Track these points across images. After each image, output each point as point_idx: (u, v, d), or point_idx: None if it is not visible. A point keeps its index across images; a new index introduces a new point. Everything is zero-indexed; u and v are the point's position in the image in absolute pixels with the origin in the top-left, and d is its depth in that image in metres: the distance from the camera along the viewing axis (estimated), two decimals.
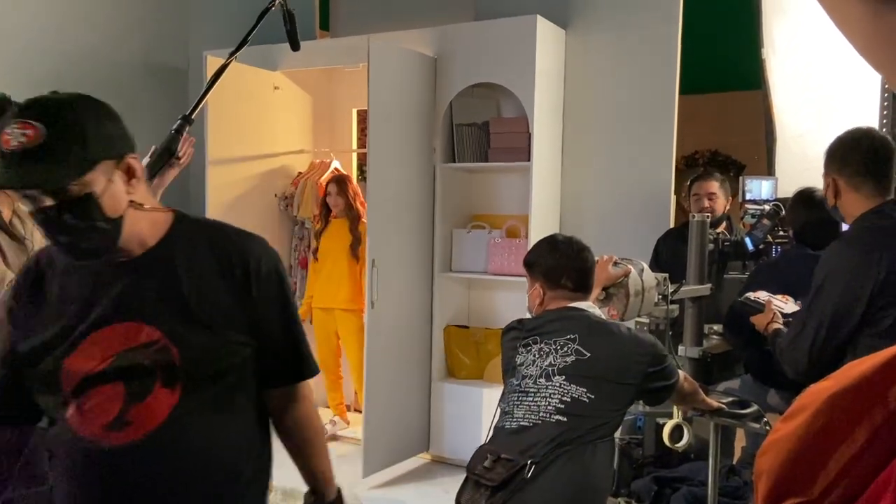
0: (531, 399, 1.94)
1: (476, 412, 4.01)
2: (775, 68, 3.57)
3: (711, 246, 2.87)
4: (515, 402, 1.97)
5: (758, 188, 3.24)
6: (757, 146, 4.82)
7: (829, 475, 0.59)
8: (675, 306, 2.58)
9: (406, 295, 4.05)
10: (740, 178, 3.28)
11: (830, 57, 3.37)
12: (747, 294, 2.55)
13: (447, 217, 4.19)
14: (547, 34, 3.91)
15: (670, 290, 2.50)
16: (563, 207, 4.16)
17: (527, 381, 1.98)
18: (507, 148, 4.01)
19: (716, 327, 2.98)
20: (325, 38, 4.66)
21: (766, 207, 3.04)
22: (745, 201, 3.23)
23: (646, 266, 2.34)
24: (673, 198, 3.88)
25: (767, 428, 2.70)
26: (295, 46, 2.03)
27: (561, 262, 2.13)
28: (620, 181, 3.99)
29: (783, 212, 2.99)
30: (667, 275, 2.47)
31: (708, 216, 2.93)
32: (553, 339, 2.00)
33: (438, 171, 4.10)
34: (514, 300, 3.97)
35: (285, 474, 1.61)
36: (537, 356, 2.00)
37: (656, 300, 2.44)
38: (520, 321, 2.19)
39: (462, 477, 2.01)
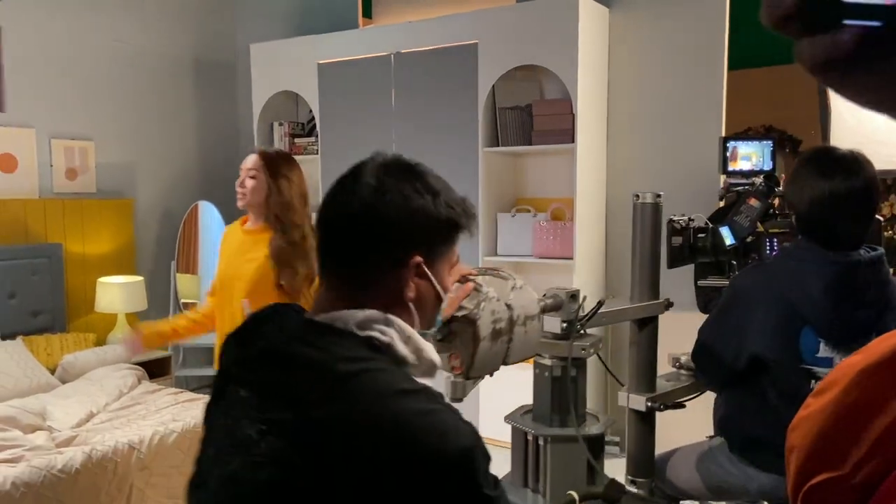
0: None
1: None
2: None
3: (679, 239, 2.09)
4: None
5: (747, 156, 2.28)
6: (812, 120, 4.66)
7: (861, 449, 0.59)
8: (596, 335, 1.60)
9: None
10: (719, 139, 2.44)
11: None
12: None
13: (492, 201, 4.19)
14: (590, 13, 3.85)
15: (584, 313, 1.55)
16: (608, 189, 4.11)
17: (198, 486, 1.01)
18: (550, 130, 3.97)
19: (683, 359, 2.07)
20: (369, 25, 4.68)
21: (756, 181, 2.18)
22: (726, 173, 2.24)
23: (521, 283, 1.35)
24: (722, 178, 3.79)
25: None
26: None
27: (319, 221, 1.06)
28: (667, 162, 3.91)
29: (779, 187, 2.14)
30: (578, 290, 1.59)
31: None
32: (252, 412, 0.92)
33: (482, 155, 4.10)
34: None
35: None
36: (224, 437, 0.96)
37: (557, 332, 1.54)
38: (244, 326, 1.06)
39: None
